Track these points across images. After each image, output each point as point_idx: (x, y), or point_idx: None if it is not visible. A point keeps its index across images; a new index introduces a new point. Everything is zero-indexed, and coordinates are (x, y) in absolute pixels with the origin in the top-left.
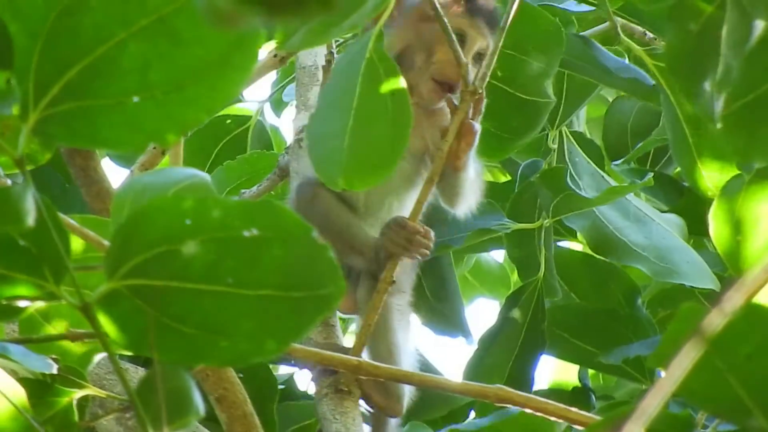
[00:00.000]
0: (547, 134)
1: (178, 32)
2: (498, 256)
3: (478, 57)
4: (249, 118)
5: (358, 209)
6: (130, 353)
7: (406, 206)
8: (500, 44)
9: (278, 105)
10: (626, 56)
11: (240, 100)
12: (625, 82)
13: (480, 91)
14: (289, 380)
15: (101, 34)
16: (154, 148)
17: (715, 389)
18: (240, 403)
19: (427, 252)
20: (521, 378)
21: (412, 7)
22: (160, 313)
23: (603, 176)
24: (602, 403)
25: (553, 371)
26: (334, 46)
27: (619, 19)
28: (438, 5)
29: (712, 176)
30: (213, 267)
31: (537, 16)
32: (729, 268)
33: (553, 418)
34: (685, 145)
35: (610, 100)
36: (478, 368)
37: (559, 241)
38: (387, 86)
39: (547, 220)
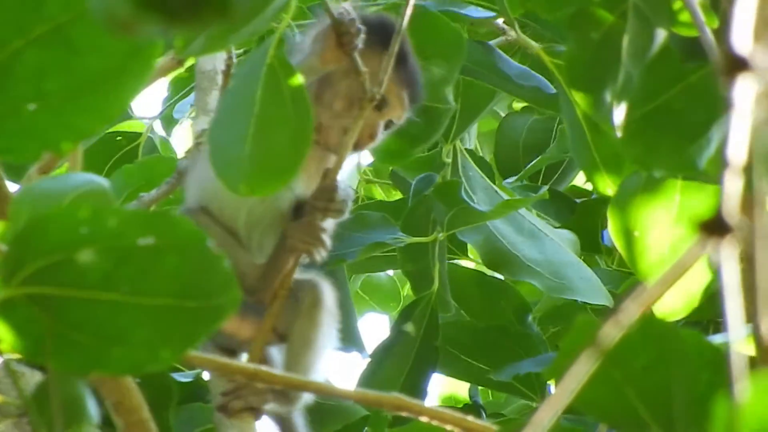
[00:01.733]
0: (441, 148)
1: (75, 41)
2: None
3: (390, 124)
4: (139, 134)
5: (240, 237)
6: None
7: None
8: (395, 50)
9: (169, 122)
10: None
11: (131, 116)
12: (526, 89)
13: (378, 97)
14: (195, 381)
15: None
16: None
17: (612, 401)
18: (136, 408)
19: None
20: (414, 391)
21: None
22: (56, 321)
23: (496, 191)
24: (492, 420)
25: (443, 388)
26: (233, 51)
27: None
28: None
29: (612, 177)
30: (109, 276)
31: (437, 21)
32: (629, 274)
33: (449, 427)
34: (585, 146)
35: (503, 115)
36: (371, 381)
37: (452, 259)
38: (288, 92)
39: (441, 234)
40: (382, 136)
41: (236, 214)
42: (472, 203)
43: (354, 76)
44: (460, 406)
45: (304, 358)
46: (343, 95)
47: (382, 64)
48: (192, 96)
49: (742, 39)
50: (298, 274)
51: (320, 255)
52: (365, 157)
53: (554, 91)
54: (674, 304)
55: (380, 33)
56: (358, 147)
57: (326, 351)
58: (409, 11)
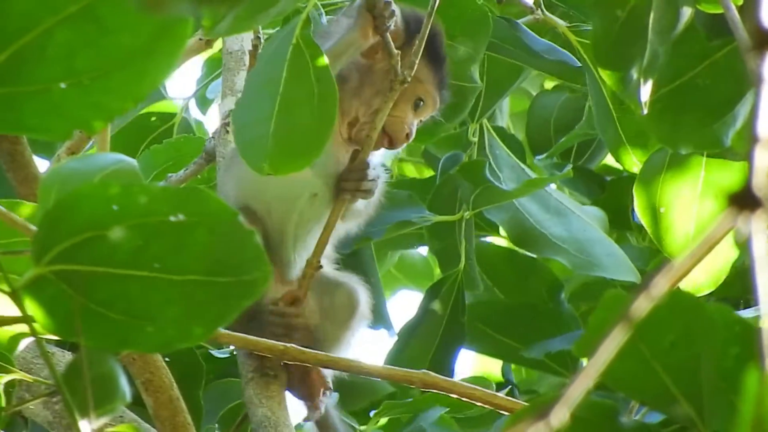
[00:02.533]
0: (468, 127)
1: (105, 19)
2: (422, 249)
3: (419, 102)
4: (174, 115)
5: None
6: (57, 338)
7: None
8: (427, 31)
9: (203, 102)
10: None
11: (164, 97)
12: (552, 64)
13: (409, 79)
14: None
15: (28, 22)
16: (81, 133)
17: (640, 376)
18: (166, 387)
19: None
20: (442, 369)
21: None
22: (87, 298)
23: (524, 169)
24: (525, 398)
25: (475, 366)
26: (261, 31)
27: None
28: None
29: (637, 153)
30: (139, 253)
31: (463, 0)
32: (658, 251)
33: (479, 404)
34: (611, 122)
35: (534, 94)
36: (398, 359)
37: (483, 236)
38: (313, 72)
39: (467, 213)
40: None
41: (287, 216)
42: (497, 182)
43: (388, 66)
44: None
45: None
46: (372, 81)
47: (413, 49)
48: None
49: None
50: (335, 272)
51: (370, 193)
52: None
53: (580, 65)
54: (700, 280)
55: (413, 24)
56: (393, 145)
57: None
58: None
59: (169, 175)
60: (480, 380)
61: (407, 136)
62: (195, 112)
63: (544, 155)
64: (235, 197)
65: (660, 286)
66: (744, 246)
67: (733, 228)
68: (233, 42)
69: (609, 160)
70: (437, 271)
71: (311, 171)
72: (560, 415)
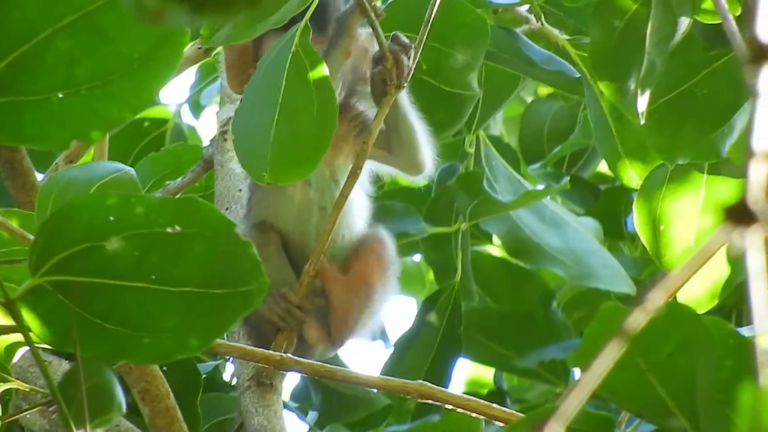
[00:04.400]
0: (464, 138)
1: (105, 28)
2: (415, 255)
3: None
4: (166, 120)
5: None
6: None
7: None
8: (425, 37)
9: (197, 107)
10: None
11: (157, 102)
12: (550, 74)
13: (404, 84)
14: (214, 370)
15: (28, 30)
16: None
17: (636, 389)
18: (163, 396)
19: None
20: (438, 381)
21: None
22: (84, 309)
23: (519, 180)
24: (517, 406)
25: (468, 373)
26: None
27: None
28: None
29: (636, 167)
30: (136, 263)
31: (460, 7)
32: (653, 261)
33: (474, 415)
34: (608, 136)
35: (528, 100)
36: (394, 370)
37: (476, 246)
38: (312, 80)
39: (463, 224)
40: None
41: (305, 233)
42: (494, 194)
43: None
44: (485, 391)
45: (360, 299)
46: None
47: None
48: (219, 81)
49: (767, 27)
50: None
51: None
52: None
53: (579, 75)
54: (698, 294)
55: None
56: None
57: (383, 298)
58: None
59: (167, 183)
60: (476, 387)
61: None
62: (187, 118)
63: (538, 165)
64: (255, 212)
65: (656, 298)
66: (738, 260)
67: (729, 241)
68: None
69: (602, 167)
70: (430, 277)
71: (311, 189)
72: (556, 428)
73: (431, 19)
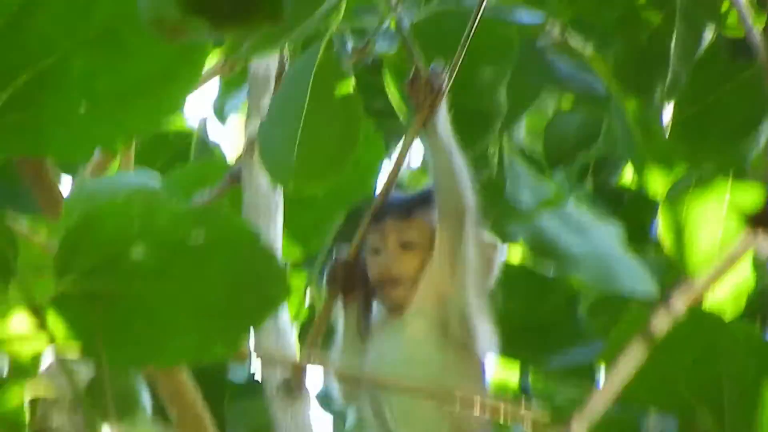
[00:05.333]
0: (488, 146)
1: (125, 44)
2: None
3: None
4: (191, 133)
5: None
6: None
7: None
8: (460, 60)
9: (221, 120)
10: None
11: (181, 114)
12: (576, 88)
13: (436, 108)
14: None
15: (48, 46)
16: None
17: (663, 392)
18: (191, 403)
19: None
20: None
21: None
22: (109, 316)
23: (543, 188)
24: (543, 409)
25: (493, 375)
26: (286, 54)
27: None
28: None
29: (662, 175)
30: (161, 271)
31: (488, 27)
32: (677, 266)
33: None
34: (634, 146)
35: (550, 112)
36: None
37: None
38: (337, 93)
39: None
40: None
41: None
42: (517, 202)
43: None
44: (511, 393)
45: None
46: None
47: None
48: (243, 92)
49: None
50: None
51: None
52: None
53: (603, 88)
54: (722, 301)
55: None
56: None
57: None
58: (475, 23)
59: (194, 198)
60: (502, 389)
61: None
62: (212, 130)
63: (562, 172)
64: None
65: (681, 302)
66: (762, 266)
67: (753, 246)
68: (259, 64)
69: (627, 175)
70: None
71: None
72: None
73: (467, 43)
